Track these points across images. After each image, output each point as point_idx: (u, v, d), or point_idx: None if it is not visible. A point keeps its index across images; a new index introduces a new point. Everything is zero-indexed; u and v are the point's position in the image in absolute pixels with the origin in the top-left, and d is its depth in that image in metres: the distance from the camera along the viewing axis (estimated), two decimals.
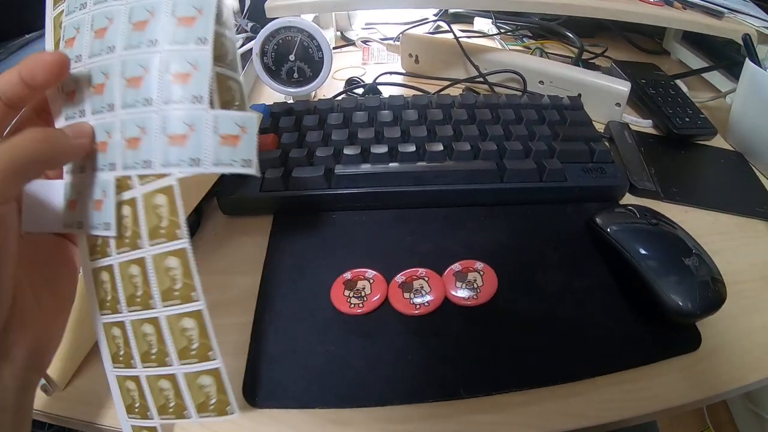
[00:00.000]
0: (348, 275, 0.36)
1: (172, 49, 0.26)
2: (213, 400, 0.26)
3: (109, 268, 0.27)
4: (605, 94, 0.55)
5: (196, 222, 0.42)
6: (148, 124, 0.25)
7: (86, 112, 0.26)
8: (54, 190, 0.27)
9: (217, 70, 0.26)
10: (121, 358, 0.27)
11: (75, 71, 0.27)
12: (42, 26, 0.63)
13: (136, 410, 0.28)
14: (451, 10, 0.81)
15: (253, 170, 0.26)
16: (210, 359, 0.26)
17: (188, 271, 0.25)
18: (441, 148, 0.42)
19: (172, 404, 0.27)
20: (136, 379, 0.27)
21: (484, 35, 0.78)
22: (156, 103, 0.25)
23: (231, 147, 0.26)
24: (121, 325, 0.27)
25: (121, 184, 0.26)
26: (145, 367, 0.27)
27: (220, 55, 0.26)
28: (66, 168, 0.27)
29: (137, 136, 0.25)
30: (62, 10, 0.28)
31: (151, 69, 0.26)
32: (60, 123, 0.27)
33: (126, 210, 0.26)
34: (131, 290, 0.26)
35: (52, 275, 0.27)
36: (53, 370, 0.30)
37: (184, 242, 0.25)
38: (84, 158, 0.26)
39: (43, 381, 0.30)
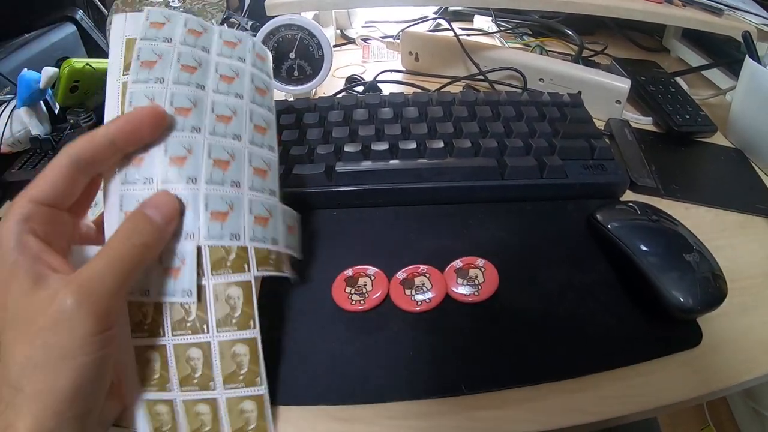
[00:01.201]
0: (349, 272, 0.36)
1: (252, 149, 0.30)
2: (251, 426, 0.27)
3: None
4: (605, 92, 0.55)
5: None
6: (236, 203, 0.29)
7: (155, 180, 0.27)
8: None
9: None
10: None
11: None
12: (42, 26, 0.63)
13: None
14: (451, 8, 0.81)
15: (299, 256, 0.33)
16: (256, 384, 0.28)
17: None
18: (441, 145, 0.42)
19: (206, 429, 0.27)
20: (169, 403, 0.28)
21: (484, 33, 0.78)
22: (243, 187, 0.29)
23: (292, 235, 0.32)
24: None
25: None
26: (183, 391, 0.28)
27: None
28: None
29: (225, 212, 0.28)
30: (128, 80, 0.29)
31: (236, 158, 0.29)
32: (115, 185, 0.28)
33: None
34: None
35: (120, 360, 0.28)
36: None
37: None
38: None
39: None
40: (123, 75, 0.29)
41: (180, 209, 0.27)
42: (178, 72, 0.29)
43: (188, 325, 0.27)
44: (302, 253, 0.33)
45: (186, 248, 0.27)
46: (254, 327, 0.28)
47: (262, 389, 0.28)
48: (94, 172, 0.27)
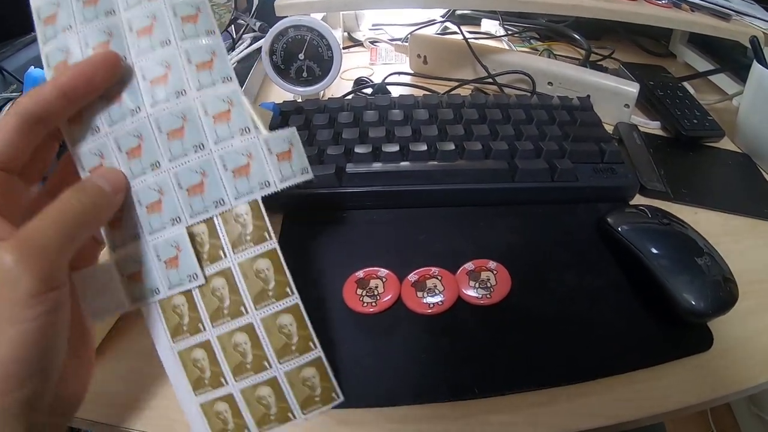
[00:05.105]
0: (360, 274, 0.36)
1: (203, 94, 0.27)
2: (318, 391, 0.26)
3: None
4: (614, 96, 0.55)
5: None
6: (207, 167, 0.27)
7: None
8: (103, 275, 0.27)
9: None
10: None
11: (99, 141, 0.27)
12: None
13: None
14: (458, 12, 0.81)
15: (310, 175, 0.28)
16: (311, 350, 0.27)
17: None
18: (452, 147, 0.42)
19: (273, 411, 0.27)
20: (228, 398, 0.27)
21: (492, 36, 0.78)
22: (208, 146, 0.27)
23: (288, 161, 0.28)
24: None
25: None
26: (239, 381, 0.27)
27: None
28: (109, 245, 0.27)
29: (199, 182, 0.27)
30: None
31: (189, 117, 0.27)
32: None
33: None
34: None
35: (80, 336, 0.26)
36: None
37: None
38: (130, 227, 0.27)
39: None
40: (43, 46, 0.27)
41: (125, 181, 0.26)
42: (83, 9, 0.26)
43: (225, 312, 0.27)
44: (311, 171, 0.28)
45: (176, 234, 0.27)
46: (292, 293, 0.27)
47: (317, 352, 0.27)
48: (46, 129, 0.25)
